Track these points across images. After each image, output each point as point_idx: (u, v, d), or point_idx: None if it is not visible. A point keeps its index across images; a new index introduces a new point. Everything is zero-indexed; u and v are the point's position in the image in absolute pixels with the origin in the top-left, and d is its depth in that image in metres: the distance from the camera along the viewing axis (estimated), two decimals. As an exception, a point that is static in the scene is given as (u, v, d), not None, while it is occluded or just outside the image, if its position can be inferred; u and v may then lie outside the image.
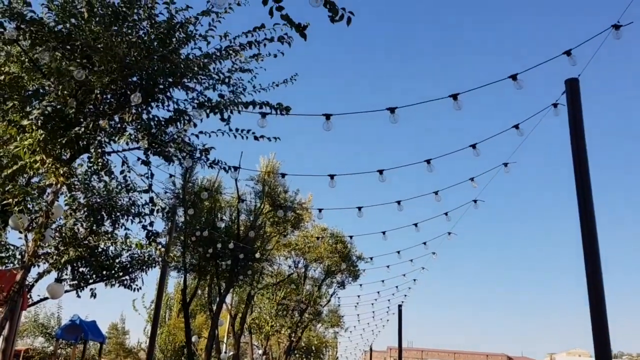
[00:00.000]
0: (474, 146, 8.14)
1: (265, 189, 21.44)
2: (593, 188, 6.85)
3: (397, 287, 21.79)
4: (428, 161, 8.37)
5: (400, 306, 25.16)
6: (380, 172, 8.42)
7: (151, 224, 9.21)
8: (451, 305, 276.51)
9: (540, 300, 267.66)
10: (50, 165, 7.88)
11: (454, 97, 6.73)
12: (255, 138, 8.35)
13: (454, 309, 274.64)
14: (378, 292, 23.13)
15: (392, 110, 6.89)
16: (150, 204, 8.91)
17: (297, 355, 48.90)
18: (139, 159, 8.61)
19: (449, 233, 13.93)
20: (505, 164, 9.69)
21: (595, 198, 6.82)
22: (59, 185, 8.31)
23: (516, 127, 7.91)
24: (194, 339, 27.40)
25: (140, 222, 9.50)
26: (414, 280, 20.62)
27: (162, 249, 9.49)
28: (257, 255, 17.35)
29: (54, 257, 9.73)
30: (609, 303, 6.44)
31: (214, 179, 20.36)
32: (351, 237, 15.01)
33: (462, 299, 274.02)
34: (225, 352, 22.18)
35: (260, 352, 35.16)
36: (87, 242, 9.91)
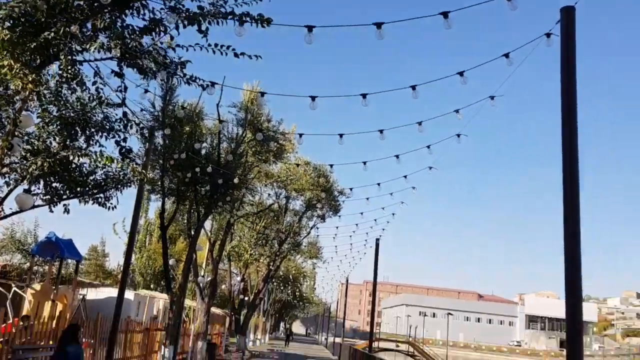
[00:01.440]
0: (461, 74, 7.87)
1: (248, 117, 21.05)
2: (580, 128, 6.62)
3: (375, 220, 21.95)
4: (413, 87, 8.11)
5: (377, 240, 25.45)
6: (364, 95, 8.13)
7: (124, 139, 8.95)
8: (428, 243, 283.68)
9: (514, 243, 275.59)
10: (18, 70, 7.52)
11: (445, 15, 6.40)
12: (236, 55, 7.96)
13: (430, 246, 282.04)
14: (356, 225, 23.33)
15: (378, 25, 6.54)
16: (124, 119, 8.61)
17: (275, 284, 50.03)
18: (112, 71, 8.24)
19: (430, 167, 13.85)
20: (492, 97, 9.45)
21: (581, 138, 6.62)
22: (27, 93, 7.95)
23: (506, 55, 7.62)
24: (171, 262, 27.69)
25: (113, 137, 9.23)
26: (393, 214, 20.74)
27: (136, 166, 9.27)
28: (236, 180, 17.18)
29: (22, 167, 9.47)
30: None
31: (196, 103, 19.87)
32: (331, 165, 14.76)
33: (439, 236, 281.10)
34: (203, 276, 22.45)
35: (239, 279, 35.83)
36: (59, 155, 9.63)
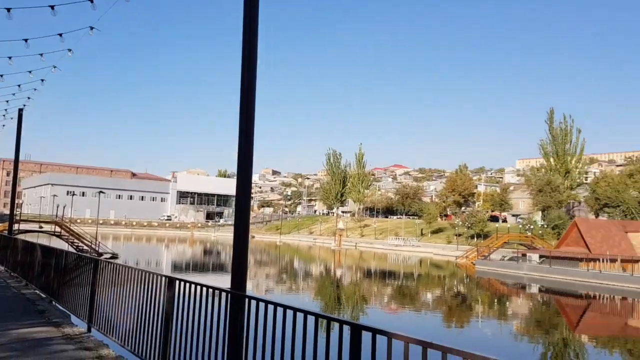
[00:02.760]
0: None
1: None
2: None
3: (19, 86, 18.62)
4: None
5: (21, 110, 22.00)
6: None
7: None
8: (78, 118, 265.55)
9: (170, 122, 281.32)
10: None
11: None
12: None
13: (83, 122, 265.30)
14: (-6, 90, 19.49)
15: None
16: None
17: None
18: None
19: (92, 28, 12.13)
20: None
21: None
22: None
23: None
24: None
25: None
26: (42, 80, 17.93)
27: None
28: None
29: None
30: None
31: None
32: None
33: (93, 113, 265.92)
34: None
35: None
36: None
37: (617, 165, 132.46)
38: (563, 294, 41.06)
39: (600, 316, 32.55)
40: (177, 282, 6.57)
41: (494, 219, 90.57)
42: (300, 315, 4.38)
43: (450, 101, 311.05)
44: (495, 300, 37.46)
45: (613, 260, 45.46)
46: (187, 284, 6.30)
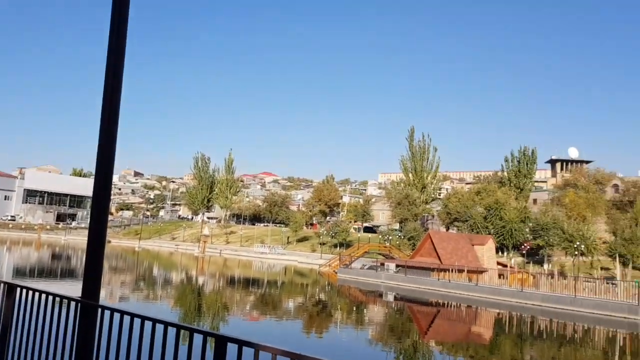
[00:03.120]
0: None
1: None
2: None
3: None
4: None
5: None
6: None
7: None
8: None
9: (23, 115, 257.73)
10: None
11: None
12: None
13: None
14: None
15: None
16: None
17: None
18: None
19: None
20: None
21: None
22: None
23: None
24: None
25: None
26: None
27: None
28: None
29: None
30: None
31: None
32: None
33: None
34: None
35: None
36: None
37: (467, 183, 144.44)
38: (416, 301, 43.64)
39: (447, 323, 35.03)
40: (18, 289, 5.86)
41: (368, 229, 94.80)
42: (160, 327, 4.06)
43: (321, 113, 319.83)
44: (354, 307, 38.80)
45: (461, 271, 49.23)
46: (30, 292, 5.65)
